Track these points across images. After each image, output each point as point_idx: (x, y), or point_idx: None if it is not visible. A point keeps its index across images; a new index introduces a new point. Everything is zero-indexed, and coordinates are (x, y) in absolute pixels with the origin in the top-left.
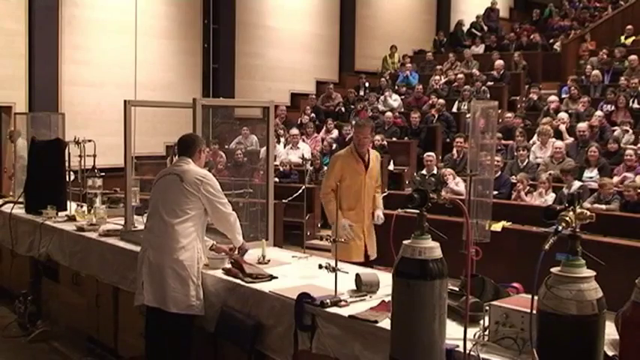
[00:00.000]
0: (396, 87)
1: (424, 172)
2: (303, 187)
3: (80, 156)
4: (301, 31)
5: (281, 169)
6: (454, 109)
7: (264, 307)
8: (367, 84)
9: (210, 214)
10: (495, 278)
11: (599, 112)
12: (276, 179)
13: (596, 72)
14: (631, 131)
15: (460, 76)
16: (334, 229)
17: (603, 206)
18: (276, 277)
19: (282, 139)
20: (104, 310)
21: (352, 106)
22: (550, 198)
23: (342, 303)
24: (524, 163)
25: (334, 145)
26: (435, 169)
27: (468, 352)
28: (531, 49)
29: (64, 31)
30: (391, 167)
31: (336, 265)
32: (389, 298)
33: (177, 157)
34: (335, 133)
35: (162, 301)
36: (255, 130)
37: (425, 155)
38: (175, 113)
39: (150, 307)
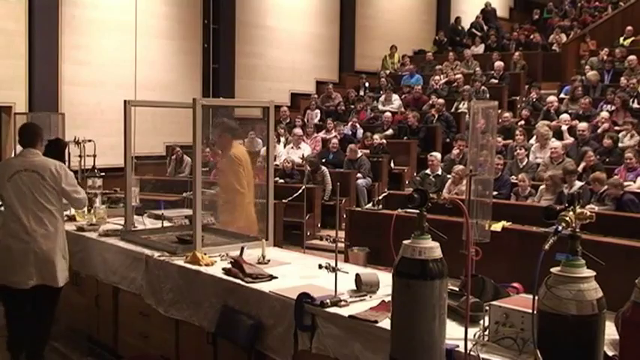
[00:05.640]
0: (399, 87)
1: (428, 171)
2: (303, 187)
3: (80, 156)
4: (301, 31)
5: (282, 168)
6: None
7: (264, 307)
8: (367, 84)
9: (67, 201)
10: (495, 278)
11: (604, 113)
12: (281, 180)
13: (594, 72)
14: (635, 132)
15: (460, 76)
16: None
17: (596, 208)
18: (276, 277)
19: (283, 139)
20: (104, 310)
21: (352, 106)
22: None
23: (342, 303)
24: (524, 163)
25: (336, 146)
26: (440, 169)
27: (468, 352)
28: (531, 49)
29: (64, 31)
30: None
31: (336, 265)
32: (389, 298)
33: (22, 148)
34: (342, 129)
35: (52, 279)
36: (256, 131)
37: (429, 155)
38: (175, 113)
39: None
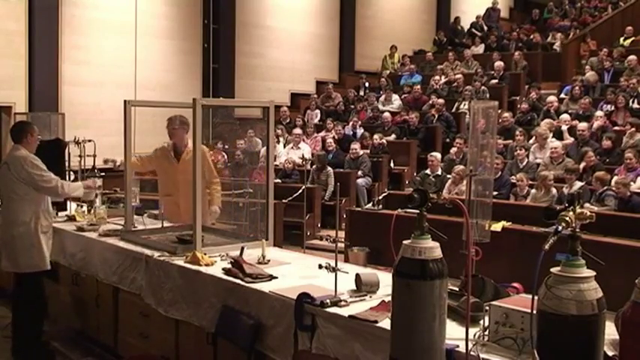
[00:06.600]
0: (399, 87)
1: (428, 171)
2: (303, 187)
3: (80, 156)
4: (301, 31)
5: (284, 168)
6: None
7: (264, 307)
8: (367, 84)
9: (39, 192)
10: (495, 278)
11: (599, 112)
12: (279, 180)
13: (592, 72)
14: (634, 131)
15: (460, 76)
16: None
17: (595, 208)
18: (276, 277)
19: (282, 139)
20: (104, 310)
21: (352, 106)
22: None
23: (342, 303)
24: (524, 163)
25: (332, 146)
26: (440, 169)
27: (468, 351)
28: (531, 49)
29: (64, 31)
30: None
31: (336, 265)
32: (389, 298)
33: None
34: (341, 129)
35: (16, 265)
36: (256, 131)
37: (429, 155)
38: (175, 113)
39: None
